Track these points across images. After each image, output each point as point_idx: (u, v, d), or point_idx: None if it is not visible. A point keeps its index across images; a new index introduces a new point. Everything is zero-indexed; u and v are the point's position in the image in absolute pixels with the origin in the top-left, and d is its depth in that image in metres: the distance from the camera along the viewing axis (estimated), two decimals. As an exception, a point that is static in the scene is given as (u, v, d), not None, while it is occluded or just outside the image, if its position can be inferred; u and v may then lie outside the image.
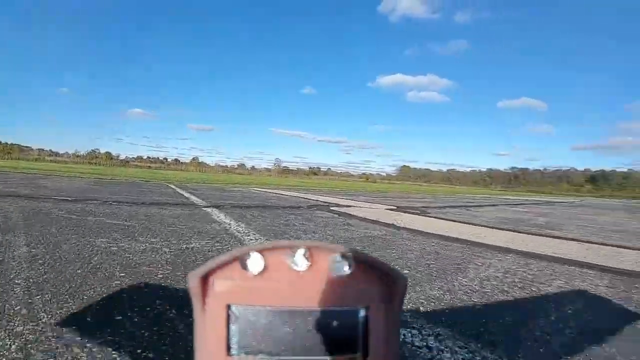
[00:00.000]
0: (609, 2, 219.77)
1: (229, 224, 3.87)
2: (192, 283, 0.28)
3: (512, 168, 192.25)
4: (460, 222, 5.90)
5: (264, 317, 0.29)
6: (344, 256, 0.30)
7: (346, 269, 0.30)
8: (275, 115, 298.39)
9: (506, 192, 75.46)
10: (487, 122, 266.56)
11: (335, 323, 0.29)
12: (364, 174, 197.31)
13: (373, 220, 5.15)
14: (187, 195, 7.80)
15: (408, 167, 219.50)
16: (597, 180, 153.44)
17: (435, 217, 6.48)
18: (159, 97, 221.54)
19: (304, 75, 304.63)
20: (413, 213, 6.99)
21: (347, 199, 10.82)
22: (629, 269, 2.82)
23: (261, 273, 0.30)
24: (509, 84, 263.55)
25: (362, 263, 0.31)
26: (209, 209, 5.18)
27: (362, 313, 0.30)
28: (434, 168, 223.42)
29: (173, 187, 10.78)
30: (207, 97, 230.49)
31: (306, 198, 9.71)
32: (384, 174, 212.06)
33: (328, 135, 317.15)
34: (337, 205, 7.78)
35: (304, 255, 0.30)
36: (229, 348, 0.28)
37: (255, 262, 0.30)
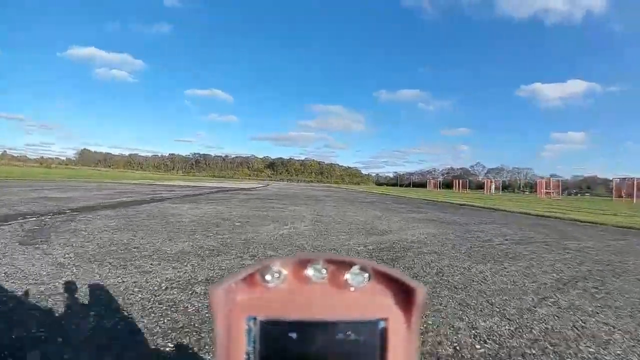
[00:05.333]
0: (290, 14, 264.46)
1: None
2: (213, 295, 0.29)
3: (194, 154, 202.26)
4: None
5: (283, 329, 0.30)
6: (362, 268, 0.31)
7: (364, 281, 0.31)
8: None
9: (186, 177, 71.31)
10: (172, 108, 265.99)
11: (353, 335, 0.30)
12: (42, 157, 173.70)
13: None
14: None
15: (89, 150, 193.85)
16: (277, 166, 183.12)
17: None
18: None
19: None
20: None
21: None
22: None
23: (281, 285, 0.31)
24: (201, 74, 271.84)
25: (381, 274, 0.32)
26: None
27: (380, 325, 0.30)
28: (115, 152, 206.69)
29: None
30: None
31: None
32: (64, 158, 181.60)
33: (7, 110, 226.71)
34: None
35: (323, 267, 0.31)
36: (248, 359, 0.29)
37: (275, 274, 0.31)
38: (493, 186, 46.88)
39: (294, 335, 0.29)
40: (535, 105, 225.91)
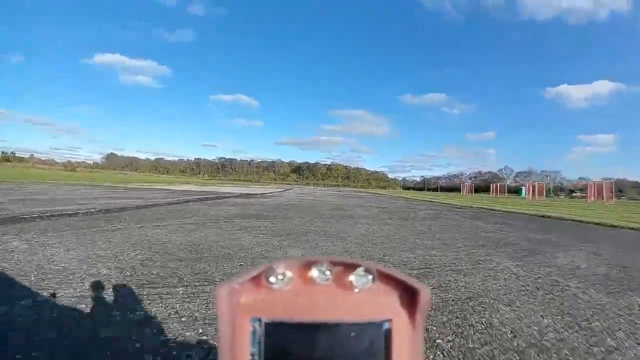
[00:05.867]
0: (317, 21, 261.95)
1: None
2: (218, 296, 0.29)
3: (220, 158, 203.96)
4: None
5: (288, 331, 0.29)
6: (366, 269, 0.31)
7: (368, 283, 0.31)
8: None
9: (203, 181, 68.66)
10: (198, 113, 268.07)
11: (358, 336, 0.29)
12: (69, 161, 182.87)
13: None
14: None
15: (115, 155, 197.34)
16: (303, 171, 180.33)
17: None
18: None
19: (11, 39, 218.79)
20: None
21: None
22: None
23: (285, 287, 0.31)
24: (225, 79, 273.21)
25: (385, 276, 0.31)
26: None
27: (384, 326, 0.30)
28: (142, 157, 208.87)
29: None
30: None
31: None
32: (91, 162, 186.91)
33: (36, 115, 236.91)
34: None
35: (327, 269, 0.31)
36: None
37: (280, 276, 0.30)
38: (536, 191, 40.23)
39: (298, 337, 0.29)
40: (561, 107, 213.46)
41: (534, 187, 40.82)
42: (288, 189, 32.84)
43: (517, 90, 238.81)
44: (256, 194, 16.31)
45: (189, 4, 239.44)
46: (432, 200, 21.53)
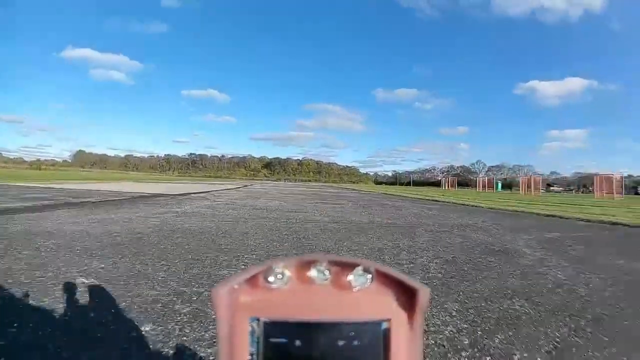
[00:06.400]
0: (295, 17, 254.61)
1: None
2: (216, 296, 0.29)
3: (191, 154, 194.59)
4: None
5: (286, 330, 0.29)
6: (365, 269, 0.30)
7: (367, 282, 0.30)
8: None
9: (174, 179, 61.83)
10: (169, 108, 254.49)
11: (356, 336, 0.29)
12: (38, 159, 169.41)
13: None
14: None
15: (84, 152, 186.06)
16: (274, 166, 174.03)
17: None
18: None
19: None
20: None
21: None
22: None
23: (284, 286, 0.30)
24: (197, 74, 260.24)
25: (383, 275, 0.31)
26: None
27: (383, 326, 0.30)
28: (111, 154, 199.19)
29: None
30: None
31: None
32: (61, 160, 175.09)
33: (5, 112, 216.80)
34: None
35: (326, 268, 0.31)
36: None
37: (278, 275, 0.30)
38: (532, 185, 35.87)
39: (297, 336, 0.29)
40: (534, 102, 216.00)
41: (529, 181, 36.46)
42: (247, 186, 27.11)
43: (489, 85, 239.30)
44: (172, 195, 10.25)
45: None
46: (434, 198, 16.30)
